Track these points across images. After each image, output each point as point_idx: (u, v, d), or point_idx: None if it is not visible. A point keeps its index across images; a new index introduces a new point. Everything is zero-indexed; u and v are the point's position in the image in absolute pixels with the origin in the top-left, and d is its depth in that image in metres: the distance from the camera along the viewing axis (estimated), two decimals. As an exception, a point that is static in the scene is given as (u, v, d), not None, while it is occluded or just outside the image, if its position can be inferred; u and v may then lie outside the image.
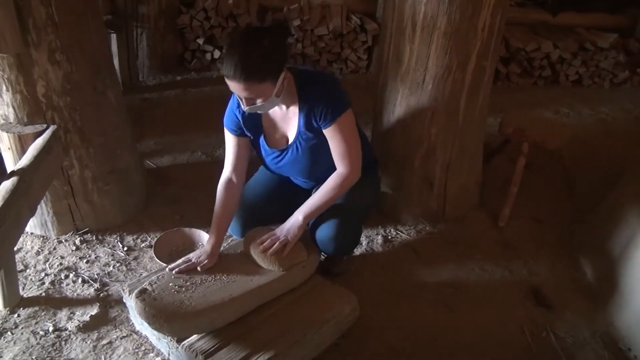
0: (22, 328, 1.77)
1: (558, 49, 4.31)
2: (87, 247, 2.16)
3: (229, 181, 1.87)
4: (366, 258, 2.23)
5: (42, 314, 1.83)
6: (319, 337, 1.68)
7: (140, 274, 2.02)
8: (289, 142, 1.85)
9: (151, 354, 1.71)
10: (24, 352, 1.67)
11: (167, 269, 1.72)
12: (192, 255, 1.76)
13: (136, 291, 1.61)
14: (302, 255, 1.82)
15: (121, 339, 1.76)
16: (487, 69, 2.19)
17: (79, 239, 2.19)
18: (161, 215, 2.40)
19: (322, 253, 1.95)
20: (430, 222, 2.44)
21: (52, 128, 1.85)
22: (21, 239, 2.14)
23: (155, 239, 2.17)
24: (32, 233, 2.21)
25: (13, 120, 1.94)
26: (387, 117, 2.36)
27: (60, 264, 2.07)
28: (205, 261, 1.72)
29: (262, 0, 4.29)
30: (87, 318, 1.82)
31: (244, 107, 1.67)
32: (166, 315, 1.54)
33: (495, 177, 2.81)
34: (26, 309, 1.84)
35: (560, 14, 4.60)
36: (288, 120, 1.82)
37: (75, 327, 1.78)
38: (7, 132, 1.83)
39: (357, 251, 2.23)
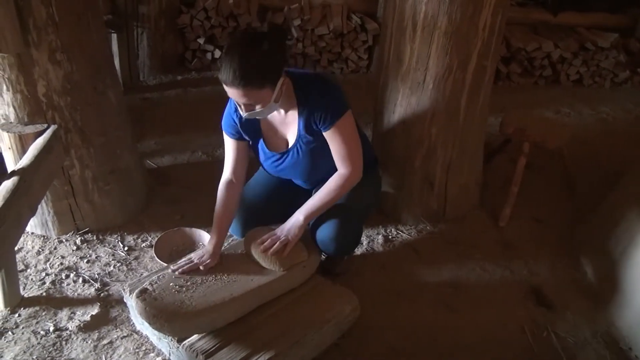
0: (22, 328, 1.77)
1: (559, 49, 4.30)
2: (87, 247, 2.17)
3: (229, 182, 1.87)
4: (367, 258, 2.23)
5: (43, 313, 1.83)
6: (320, 337, 1.68)
7: (141, 274, 2.02)
8: (289, 146, 1.84)
9: (152, 354, 1.71)
10: (24, 352, 1.68)
11: (169, 269, 1.72)
12: (194, 255, 1.76)
13: (137, 291, 1.61)
14: (302, 255, 1.82)
15: (122, 338, 1.76)
16: (488, 68, 2.19)
17: (79, 238, 2.19)
18: (162, 215, 2.40)
19: (323, 253, 1.95)
20: (430, 222, 2.44)
21: (52, 128, 1.85)
22: (22, 238, 2.14)
23: (156, 238, 2.17)
24: (32, 233, 2.21)
25: (14, 120, 1.94)
26: (388, 116, 2.36)
27: (61, 263, 2.07)
28: (208, 260, 1.72)
29: (263, 0, 4.29)
30: (87, 318, 1.82)
31: (243, 113, 1.66)
32: (167, 315, 1.54)
33: (495, 177, 2.81)
34: (27, 309, 1.84)
35: (560, 14, 4.59)
36: (287, 124, 1.82)
37: (76, 326, 1.78)
38: (7, 131, 1.83)
39: (358, 251, 2.23)
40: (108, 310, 1.87)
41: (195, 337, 1.60)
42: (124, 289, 1.80)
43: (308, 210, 1.81)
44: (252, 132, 1.85)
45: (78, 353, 1.69)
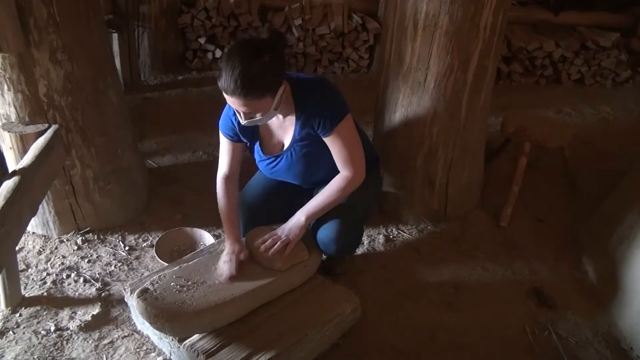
0: (23, 327, 1.77)
1: (560, 48, 4.30)
2: (88, 247, 2.17)
3: (226, 177, 1.87)
4: (368, 258, 2.22)
5: (44, 313, 1.83)
6: (321, 337, 1.68)
7: (142, 274, 2.02)
8: (284, 149, 1.84)
9: (153, 354, 1.71)
10: (25, 352, 1.68)
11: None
12: (225, 260, 1.75)
13: (138, 291, 1.61)
14: (303, 255, 1.82)
15: (123, 338, 1.76)
16: (489, 68, 2.19)
17: (80, 238, 2.19)
18: (162, 215, 2.40)
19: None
20: (432, 222, 2.44)
21: (53, 128, 1.86)
22: (23, 238, 2.14)
23: (157, 238, 2.17)
24: (33, 232, 2.21)
25: (15, 120, 1.94)
26: (389, 116, 2.36)
27: (62, 263, 2.07)
28: (242, 255, 1.76)
29: (264, 0, 4.29)
30: (88, 318, 1.82)
31: (242, 121, 1.66)
32: (167, 315, 1.54)
33: (497, 176, 2.81)
34: (28, 309, 1.84)
35: (562, 13, 4.58)
36: (285, 128, 1.81)
37: (77, 326, 1.78)
38: (8, 131, 1.84)
39: (359, 251, 2.22)
40: (109, 310, 1.87)
41: (196, 336, 1.60)
42: (124, 289, 1.80)
43: (310, 210, 1.80)
44: (250, 135, 1.85)
45: (79, 353, 1.69)
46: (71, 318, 1.82)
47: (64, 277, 2.00)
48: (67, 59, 1.91)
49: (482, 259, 2.26)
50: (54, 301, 1.89)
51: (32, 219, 1.85)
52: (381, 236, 2.35)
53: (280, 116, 1.79)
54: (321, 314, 1.70)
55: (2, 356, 1.66)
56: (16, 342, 1.71)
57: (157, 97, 3.68)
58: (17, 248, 2.04)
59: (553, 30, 4.50)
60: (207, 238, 2.17)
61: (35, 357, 1.67)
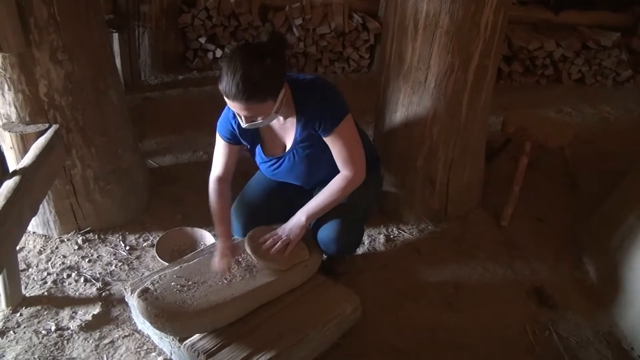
0: (24, 327, 1.77)
1: (561, 48, 4.29)
2: (89, 247, 2.17)
3: (219, 178, 1.88)
4: (368, 257, 2.22)
5: (45, 313, 1.83)
6: (321, 336, 1.68)
7: (143, 273, 2.02)
8: (286, 150, 1.84)
9: (153, 353, 1.71)
10: (26, 351, 1.68)
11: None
12: (215, 261, 1.75)
13: (138, 290, 1.61)
14: (304, 255, 1.82)
15: (123, 338, 1.76)
16: (490, 67, 2.18)
17: (81, 238, 2.19)
18: (163, 215, 2.40)
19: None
20: (432, 222, 2.44)
21: (54, 127, 1.86)
22: (23, 238, 2.14)
23: (157, 238, 2.17)
24: (34, 232, 2.21)
25: (15, 120, 1.94)
26: (389, 116, 2.36)
27: (63, 263, 2.07)
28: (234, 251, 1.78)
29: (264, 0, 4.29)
30: (89, 317, 1.82)
31: (243, 124, 1.66)
32: (168, 315, 1.54)
33: (497, 176, 2.81)
34: (28, 308, 1.84)
35: (562, 13, 4.58)
36: (286, 129, 1.82)
37: (78, 326, 1.78)
38: (9, 131, 1.84)
39: (360, 250, 2.22)
40: (109, 309, 1.87)
41: (196, 336, 1.60)
42: (125, 289, 1.80)
43: (310, 210, 1.80)
44: (251, 138, 1.85)
45: (79, 352, 1.69)
46: (72, 318, 1.82)
47: (65, 276, 2.00)
48: (68, 59, 1.91)
49: (483, 259, 2.26)
50: (55, 301, 1.89)
51: (33, 219, 1.85)
52: (382, 236, 2.34)
53: (281, 118, 1.79)
54: (322, 314, 1.70)
55: (3, 356, 1.67)
56: (17, 342, 1.71)
57: (158, 97, 3.68)
58: (17, 248, 2.04)
59: (554, 30, 4.50)
60: (207, 238, 2.17)
61: (36, 356, 1.67)
